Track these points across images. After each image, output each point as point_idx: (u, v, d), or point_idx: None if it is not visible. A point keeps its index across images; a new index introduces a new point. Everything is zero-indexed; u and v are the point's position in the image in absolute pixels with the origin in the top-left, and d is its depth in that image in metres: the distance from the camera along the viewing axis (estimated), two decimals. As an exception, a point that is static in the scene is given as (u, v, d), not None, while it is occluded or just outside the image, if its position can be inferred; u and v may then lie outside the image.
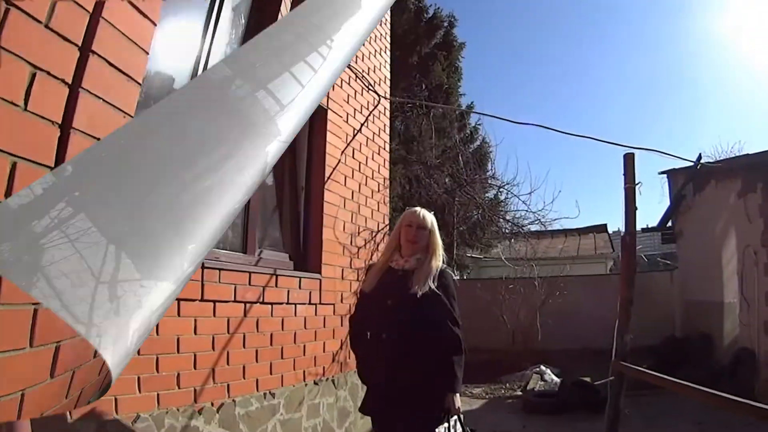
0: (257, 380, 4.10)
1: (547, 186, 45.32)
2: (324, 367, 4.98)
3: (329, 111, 5.28)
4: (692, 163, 8.77)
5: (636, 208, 4.26)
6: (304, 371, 4.68)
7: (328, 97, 5.24)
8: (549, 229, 12.10)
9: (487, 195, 11.26)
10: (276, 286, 4.36)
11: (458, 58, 15.90)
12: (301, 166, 5.22)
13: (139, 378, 3.16)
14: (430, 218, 3.07)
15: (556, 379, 8.56)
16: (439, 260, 3.00)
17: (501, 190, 10.88)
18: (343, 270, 5.40)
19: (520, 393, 8.17)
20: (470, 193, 10.20)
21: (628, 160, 4.21)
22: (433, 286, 2.86)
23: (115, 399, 3.06)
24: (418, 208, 3.13)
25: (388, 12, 6.90)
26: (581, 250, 19.06)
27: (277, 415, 4.26)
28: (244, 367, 3.95)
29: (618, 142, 4.92)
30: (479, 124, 15.51)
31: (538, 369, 9.25)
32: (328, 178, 5.17)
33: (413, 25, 15.42)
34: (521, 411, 7.21)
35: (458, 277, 14.58)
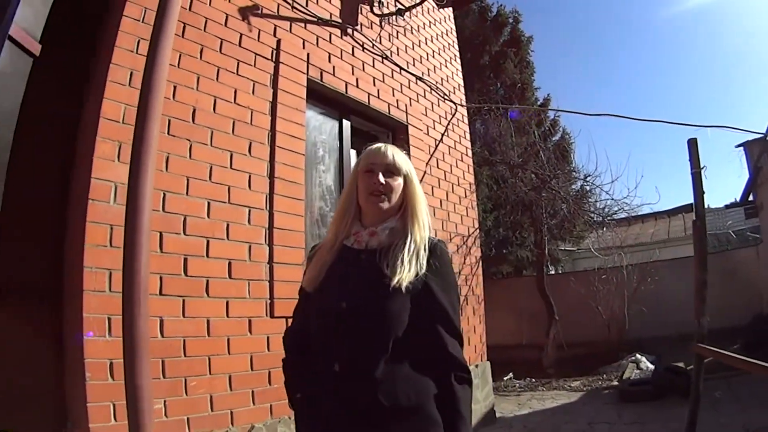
0: None
1: (629, 172, 43.89)
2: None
3: (409, 126, 5.56)
4: (762, 135, 8.45)
5: (704, 192, 4.27)
6: None
7: (406, 112, 5.53)
8: (636, 214, 11.82)
9: (573, 187, 11.18)
10: None
11: (528, 53, 15.80)
12: (391, 181, 5.46)
13: (253, 392, 3.59)
14: (403, 159, 1.84)
15: (651, 366, 8.50)
16: (424, 228, 1.78)
17: (585, 181, 10.79)
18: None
19: (617, 383, 8.11)
20: (555, 188, 10.18)
21: (692, 146, 4.23)
22: (419, 273, 1.66)
23: (231, 412, 3.47)
24: (381, 144, 1.88)
25: (452, 20, 7.11)
26: (672, 233, 18.40)
27: None
28: None
29: (685, 122, 5.06)
30: (558, 117, 15.45)
31: (633, 358, 9.20)
32: (416, 190, 5.39)
33: (479, 26, 15.50)
34: (618, 401, 7.16)
35: (552, 272, 14.50)
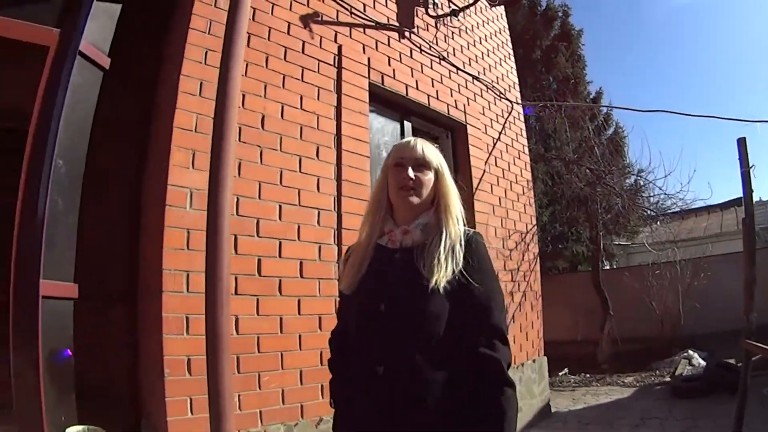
0: None
1: (682, 166, 42.85)
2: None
3: (468, 126, 5.60)
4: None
5: (752, 191, 4.40)
6: None
7: (465, 112, 5.57)
8: (689, 208, 11.57)
9: (627, 182, 11.02)
10: None
11: (579, 46, 15.59)
12: (450, 180, 5.54)
13: (322, 386, 3.73)
14: (433, 152, 1.79)
15: (702, 363, 8.37)
16: (458, 222, 1.71)
17: (639, 176, 10.64)
18: (498, 273, 5.62)
19: (669, 379, 8.07)
20: (609, 183, 10.06)
21: (742, 145, 4.32)
22: (455, 270, 1.60)
23: (301, 405, 3.59)
24: (411, 138, 1.85)
25: (504, 18, 7.10)
26: (724, 226, 17.88)
27: None
28: None
29: (736, 117, 5.05)
30: (611, 111, 15.20)
31: (686, 354, 9.01)
32: (476, 188, 5.50)
33: (529, 21, 15.38)
34: (669, 396, 7.14)
35: (607, 267, 14.30)
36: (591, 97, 15.29)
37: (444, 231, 1.66)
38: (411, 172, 1.71)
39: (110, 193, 4.01)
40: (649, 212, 10.67)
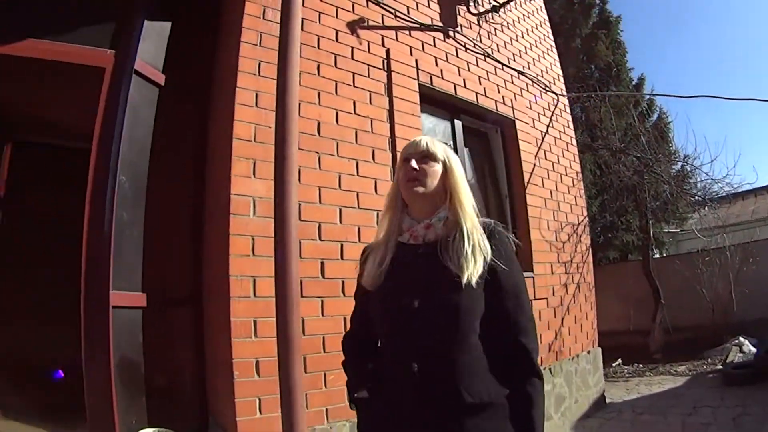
0: None
1: (727, 151, 41.67)
2: (541, 357, 5.25)
3: (516, 121, 5.62)
4: None
5: None
6: None
7: (512, 107, 5.58)
8: (736, 191, 11.30)
9: (673, 168, 10.84)
10: None
11: (618, 33, 15.35)
12: (502, 176, 5.66)
13: None
14: (439, 146, 1.82)
15: (753, 349, 8.28)
16: (472, 214, 1.72)
17: (685, 162, 10.45)
18: (552, 266, 5.71)
19: (720, 367, 8.01)
20: (656, 171, 9.91)
21: None
22: (485, 263, 1.63)
23: (326, 410, 3.62)
24: (418, 137, 1.88)
25: (544, 10, 7.07)
26: (773, 209, 17.37)
27: None
28: None
29: None
30: (654, 97, 14.95)
31: (737, 341, 8.93)
32: (528, 182, 5.52)
33: (567, 9, 15.22)
34: (721, 384, 7.08)
35: (657, 255, 14.07)
36: (633, 83, 15.05)
37: (463, 225, 1.67)
38: (414, 164, 1.74)
39: (173, 204, 4.16)
40: (696, 198, 10.47)
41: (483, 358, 1.62)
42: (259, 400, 3.24)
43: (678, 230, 14.84)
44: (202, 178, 4.15)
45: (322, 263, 3.67)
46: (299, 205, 3.54)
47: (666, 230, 14.38)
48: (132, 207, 3.55)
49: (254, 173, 3.49)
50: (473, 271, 1.58)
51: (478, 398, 1.55)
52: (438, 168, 1.76)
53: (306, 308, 3.49)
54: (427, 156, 1.76)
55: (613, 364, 9.20)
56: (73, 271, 3.32)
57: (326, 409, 3.54)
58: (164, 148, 3.87)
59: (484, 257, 1.62)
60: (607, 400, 6.48)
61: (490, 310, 1.64)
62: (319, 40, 4.08)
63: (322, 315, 3.62)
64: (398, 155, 4.21)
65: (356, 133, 4.07)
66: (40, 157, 5.57)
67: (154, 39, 3.85)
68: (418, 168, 1.74)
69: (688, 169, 10.52)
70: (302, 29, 3.87)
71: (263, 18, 3.81)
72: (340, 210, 3.84)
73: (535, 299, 5.27)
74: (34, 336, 5.03)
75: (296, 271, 2.84)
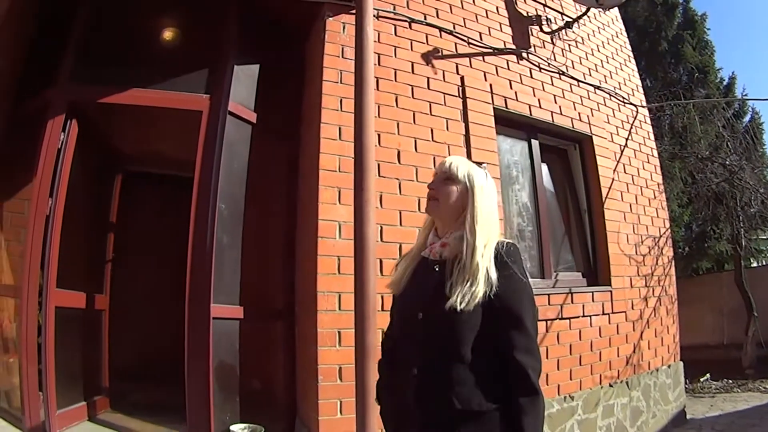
0: (558, 386, 4.65)
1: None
2: (618, 370, 5.29)
3: (594, 137, 5.67)
4: None
5: None
6: (600, 375, 5.06)
7: (589, 123, 5.66)
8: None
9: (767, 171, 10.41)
10: (572, 302, 4.92)
11: (704, 32, 14.87)
12: (581, 191, 5.72)
13: None
14: (462, 169, 1.91)
15: None
16: (482, 236, 1.79)
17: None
18: (631, 279, 5.68)
19: None
20: (742, 177, 9.50)
21: None
22: (486, 290, 1.72)
23: None
24: (447, 158, 2.01)
25: (619, 20, 7.02)
26: None
27: (575, 415, 4.74)
28: (547, 375, 4.53)
29: None
30: (745, 95, 14.37)
31: None
32: (606, 197, 5.55)
33: (651, 12, 14.86)
34: None
35: (755, 265, 13.42)
36: (724, 83, 14.55)
37: (471, 246, 1.77)
38: (433, 184, 1.93)
39: (267, 229, 4.56)
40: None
41: (479, 368, 1.72)
42: (341, 402, 3.57)
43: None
44: (293, 205, 4.51)
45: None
46: (381, 228, 3.83)
47: (763, 237, 13.75)
48: (230, 231, 4.01)
49: (339, 200, 3.82)
50: (463, 297, 1.70)
51: (467, 406, 1.67)
52: (455, 188, 1.88)
53: (385, 321, 3.72)
54: (448, 177, 1.90)
55: (702, 379, 8.90)
56: (179, 287, 3.81)
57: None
58: (259, 178, 4.28)
59: (485, 285, 1.72)
60: (688, 416, 6.32)
61: (494, 327, 1.73)
62: (396, 73, 4.36)
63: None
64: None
65: (434, 159, 4.27)
66: (148, 185, 6.16)
67: (244, 81, 4.28)
68: (434, 188, 1.92)
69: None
70: (379, 63, 4.17)
71: (342, 57, 4.13)
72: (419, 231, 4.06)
73: (613, 313, 5.29)
74: (145, 342, 5.67)
75: (373, 287, 3.16)
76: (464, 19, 4.98)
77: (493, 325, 1.72)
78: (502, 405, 1.68)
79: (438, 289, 1.77)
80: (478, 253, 1.75)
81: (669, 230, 6.56)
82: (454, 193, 1.88)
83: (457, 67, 4.74)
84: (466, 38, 4.90)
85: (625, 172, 5.97)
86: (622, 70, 6.58)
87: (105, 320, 4.86)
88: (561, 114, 5.40)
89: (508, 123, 5.07)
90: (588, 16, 6.07)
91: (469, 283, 1.71)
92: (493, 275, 1.73)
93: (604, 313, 5.21)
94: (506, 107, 4.93)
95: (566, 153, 5.83)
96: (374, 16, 4.00)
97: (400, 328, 1.94)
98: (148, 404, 4.77)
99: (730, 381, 8.77)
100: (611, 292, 5.34)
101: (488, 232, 1.82)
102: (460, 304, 1.69)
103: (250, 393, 4.01)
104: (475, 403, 1.68)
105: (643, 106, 6.67)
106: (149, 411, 4.49)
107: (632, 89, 6.60)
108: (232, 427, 3.67)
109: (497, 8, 5.32)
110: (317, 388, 3.55)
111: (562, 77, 5.62)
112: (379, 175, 3.91)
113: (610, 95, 6.14)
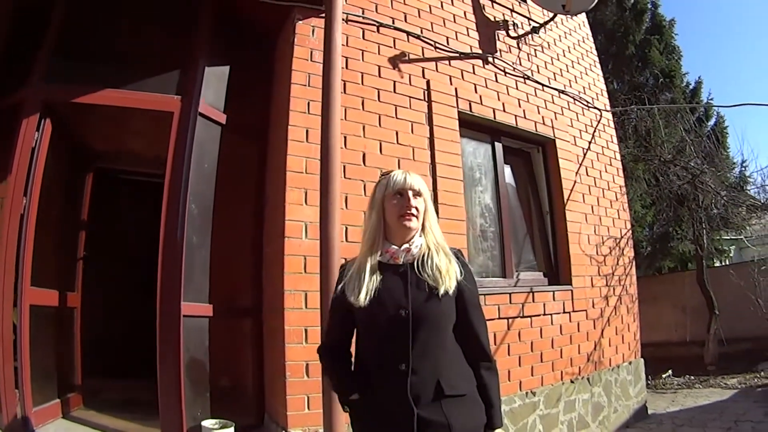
0: (520, 381, 4.81)
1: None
2: (580, 367, 5.47)
3: (557, 140, 5.82)
4: None
5: None
6: (561, 371, 5.24)
7: (553, 126, 5.81)
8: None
9: (732, 173, 10.65)
10: (533, 301, 5.09)
11: (672, 37, 15.07)
12: (543, 193, 5.88)
13: None
14: (419, 181, 2.10)
15: None
16: (443, 239, 2.09)
17: (744, 167, 10.27)
18: (592, 278, 5.86)
19: None
20: (706, 181, 9.76)
21: None
22: (458, 277, 2.00)
23: None
24: (401, 171, 2.14)
25: (586, 25, 7.18)
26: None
27: (537, 410, 4.90)
28: (509, 372, 4.69)
29: None
30: (711, 99, 14.64)
31: None
32: (568, 199, 5.71)
33: (619, 16, 15.04)
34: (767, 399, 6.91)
35: (717, 264, 13.78)
36: (690, 88, 14.81)
37: (439, 248, 2.03)
38: (413, 202, 2.03)
39: (236, 228, 4.63)
40: (756, 203, 10.29)
41: (457, 356, 2.00)
42: (308, 397, 3.67)
43: (741, 237, 14.53)
44: (261, 205, 4.59)
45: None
46: (345, 228, 3.93)
47: (726, 237, 14.08)
48: (200, 230, 4.09)
49: (306, 201, 3.90)
50: (449, 284, 1.95)
51: (455, 391, 1.91)
52: (422, 201, 2.06)
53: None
54: (418, 194, 2.05)
55: (663, 376, 9.12)
56: (150, 284, 3.90)
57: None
58: (228, 179, 4.36)
59: (456, 275, 1.99)
60: (650, 411, 6.50)
61: (459, 315, 2.01)
62: (363, 76, 4.45)
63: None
64: (439, 179, 4.57)
65: (399, 161, 4.39)
66: (119, 184, 6.20)
67: (214, 82, 4.36)
68: (416, 206, 2.03)
69: (747, 174, 10.37)
70: (346, 67, 4.27)
71: (311, 60, 4.21)
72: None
73: (573, 311, 5.46)
74: (116, 341, 5.73)
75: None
76: (432, 23, 5.09)
77: (459, 313, 2.01)
78: (474, 383, 1.99)
79: (419, 285, 1.96)
80: (445, 248, 2.05)
81: (630, 231, 6.74)
82: (422, 205, 2.05)
83: (423, 71, 4.85)
84: (432, 42, 5.00)
85: (587, 174, 6.14)
86: (586, 74, 6.74)
87: (77, 318, 4.88)
88: (525, 117, 5.54)
89: (473, 126, 5.20)
90: (554, 22, 6.22)
91: (446, 270, 1.97)
92: (457, 266, 2.01)
93: (565, 312, 5.38)
94: (471, 111, 5.05)
95: (529, 155, 5.97)
96: (343, 19, 4.11)
97: (377, 331, 1.98)
98: (120, 401, 4.83)
99: (692, 377, 8.99)
100: (572, 291, 5.51)
101: (442, 235, 2.11)
102: (450, 287, 1.95)
103: (220, 389, 4.10)
104: (461, 387, 1.95)
105: (607, 110, 6.84)
106: (122, 407, 4.57)
107: (597, 93, 6.78)
108: (203, 423, 3.74)
109: (465, 13, 5.45)
110: (285, 384, 3.65)
111: (527, 81, 5.75)
112: (344, 177, 4.02)
113: (574, 99, 6.30)
